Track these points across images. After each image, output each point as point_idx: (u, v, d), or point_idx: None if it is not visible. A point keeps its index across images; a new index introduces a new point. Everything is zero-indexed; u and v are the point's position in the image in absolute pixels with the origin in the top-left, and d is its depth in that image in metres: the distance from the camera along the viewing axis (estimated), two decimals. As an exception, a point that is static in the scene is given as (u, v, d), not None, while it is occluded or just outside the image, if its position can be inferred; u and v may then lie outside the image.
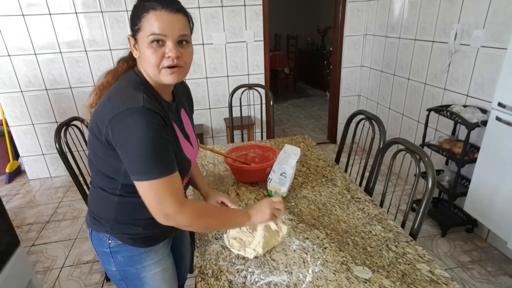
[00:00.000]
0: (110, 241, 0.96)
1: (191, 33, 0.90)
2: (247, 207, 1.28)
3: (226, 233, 1.10)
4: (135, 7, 0.85)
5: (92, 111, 0.92)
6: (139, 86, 0.85)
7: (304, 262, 0.99)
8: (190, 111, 1.13)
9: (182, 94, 1.09)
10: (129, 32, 0.89)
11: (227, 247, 1.07)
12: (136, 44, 0.87)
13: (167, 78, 0.86)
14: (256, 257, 1.02)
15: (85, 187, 1.61)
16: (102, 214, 0.96)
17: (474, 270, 1.93)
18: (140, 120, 0.77)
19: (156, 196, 0.82)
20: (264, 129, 3.52)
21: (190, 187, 1.27)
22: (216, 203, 1.19)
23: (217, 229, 1.00)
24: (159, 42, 0.82)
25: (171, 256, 1.12)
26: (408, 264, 0.97)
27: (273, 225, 1.06)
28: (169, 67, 0.84)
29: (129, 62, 0.95)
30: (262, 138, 3.47)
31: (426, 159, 1.17)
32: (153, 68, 0.84)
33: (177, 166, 0.89)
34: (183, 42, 0.86)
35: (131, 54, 0.94)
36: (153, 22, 0.81)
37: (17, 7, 2.72)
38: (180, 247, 1.26)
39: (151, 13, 0.81)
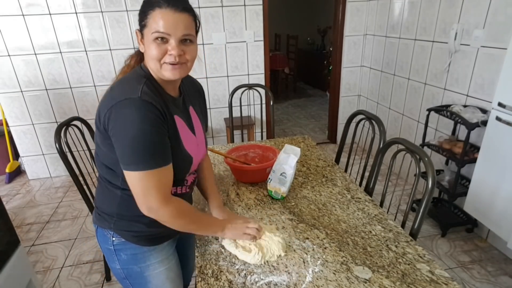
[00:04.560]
0: (114, 238, 0.97)
1: (196, 32, 0.91)
2: (230, 214, 1.19)
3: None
4: (144, 2, 0.87)
5: None
6: (141, 79, 0.87)
7: (304, 262, 0.99)
8: (200, 110, 1.12)
9: (192, 92, 1.09)
10: (133, 28, 0.91)
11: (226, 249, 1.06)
12: (142, 39, 0.89)
13: (168, 73, 0.87)
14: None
15: (85, 187, 1.61)
16: (106, 209, 0.97)
17: (474, 270, 1.93)
18: (135, 110, 0.78)
19: (142, 187, 0.83)
20: (264, 129, 3.52)
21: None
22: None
23: (192, 232, 1.02)
24: (163, 39, 0.84)
25: (176, 256, 1.12)
26: (408, 264, 0.97)
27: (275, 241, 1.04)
28: (171, 63, 0.86)
29: (137, 57, 0.97)
30: (262, 138, 3.47)
31: (426, 159, 1.17)
32: (155, 62, 0.86)
33: (176, 161, 0.89)
34: (187, 41, 0.87)
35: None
36: (158, 20, 0.82)
37: (17, 7, 2.72)
38: (186, 248, 1.25)
39: (157, 11, 0.83)
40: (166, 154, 0.86)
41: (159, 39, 0.84)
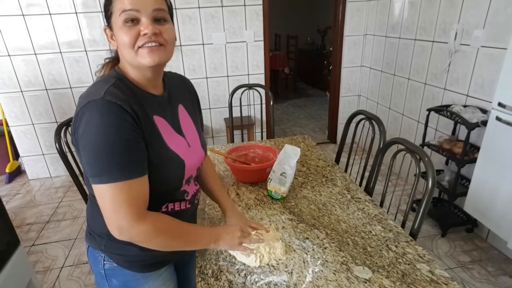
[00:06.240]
0: (105, 262, 0.87)
1: (170, 12, 0.81)
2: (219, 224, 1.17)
3: None
4: None
5: None
6: (110, 79, 0.76)
7: (304, 262, 0.99)
8: (194, 109, 1.01)
9: (182, 91, 0.98)
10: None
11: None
12: (113, 35, 0.78)
13: (146, 59, 0.75)
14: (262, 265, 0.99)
15: (85, 187, 1.61)
16: (96, 229, 0.87)
17: (474, 270, 1.93)
18: (96, 113, 0.68)
19: (110, 204, 0.71)
20: (264, 129, 3.52)
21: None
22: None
23: (178, 249, 0.86)
24: (133, 21, 0.73)
25: (174, 279, 1.01)
26: (408, 264, 0.97)
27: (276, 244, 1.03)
28: (147, 47, 0.74)
29: (113, 62, 0.87)
30: (262, 138, 3.47)
31: (426, 159, 1.17)
32: (129, 50, 0.74)
33: (164, 166, 0.80)
34: (161, 20, 0.76)
35: (115, 54, 0.86)
36: (123, 0, 0.72)
37: (17, 7, 2.72)
38: (188, 269, 1.14)
39: None
40: (138, 164, 0.73)
41: (128, 21, 0.73)
